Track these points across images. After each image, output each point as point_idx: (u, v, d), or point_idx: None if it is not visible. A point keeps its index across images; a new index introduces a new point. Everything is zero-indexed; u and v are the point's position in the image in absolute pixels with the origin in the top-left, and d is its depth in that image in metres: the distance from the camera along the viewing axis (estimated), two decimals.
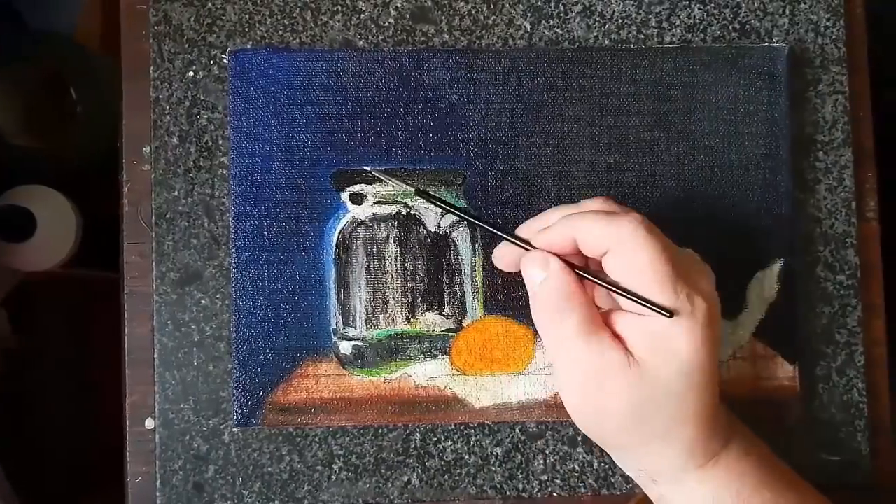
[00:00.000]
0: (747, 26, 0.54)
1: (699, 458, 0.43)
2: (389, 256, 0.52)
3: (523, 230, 0.46)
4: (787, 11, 0.54)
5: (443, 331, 0.52)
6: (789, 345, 0.53)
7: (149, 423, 0.52)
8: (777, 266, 0.52)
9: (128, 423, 0.52)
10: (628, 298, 0.41)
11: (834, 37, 0.54)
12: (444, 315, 0.52)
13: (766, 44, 0.54)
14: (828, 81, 0.54)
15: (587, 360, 0.41)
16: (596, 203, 0.44)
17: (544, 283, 0.43)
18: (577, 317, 0.41)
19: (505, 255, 0.47)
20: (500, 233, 0.46)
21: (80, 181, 0.95)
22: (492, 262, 0.49)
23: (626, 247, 0.40)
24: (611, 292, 0.42)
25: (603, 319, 0.42)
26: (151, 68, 0.53)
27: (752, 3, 0.54)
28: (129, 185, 0.53)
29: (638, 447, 0.43)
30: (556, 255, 0.43)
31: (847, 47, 0.55)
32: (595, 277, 0.43)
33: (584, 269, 0.43)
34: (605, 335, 0.41)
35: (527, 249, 0.44)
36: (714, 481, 0.43)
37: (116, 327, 0.53)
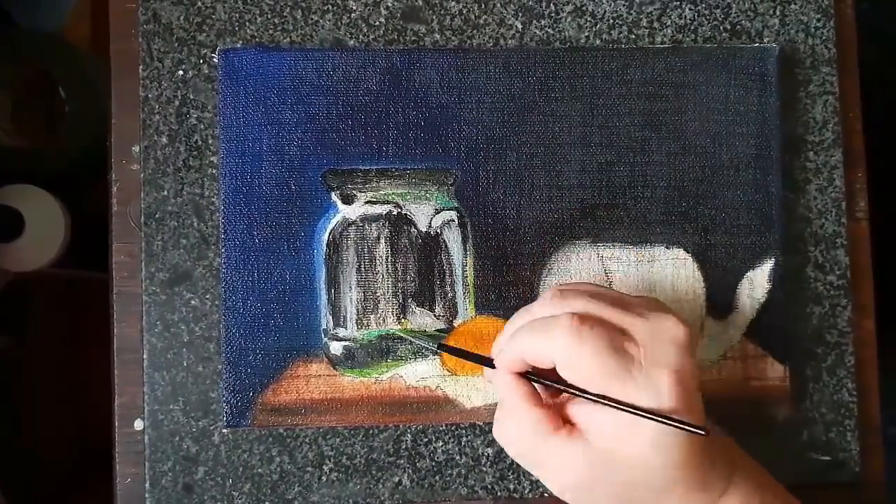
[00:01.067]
0: (738, 27, 0.54)
1: None
2: (380, 256, 0.51)
3: (494, 347, 0.46)
4: (778, 12, 0.55)
5: (434, 331, 0.51)
6: (780, 345, 0.53)
7: (138, 425, 0.52)
8: (767, 266, 0.53)
9: (117, 424, 0.52)
10: (600, 402, 0.39)
11: (824, 37, 0.55)
12: (435, 315, 0.51)
13: (756, 44, 0.54)
14: (818, 82, 0.55)
15: (557, 466, 0.41)
16: (539, 305, 0.43)
17: (502, 400, 0.43)
18: (533, 428, 0.41)
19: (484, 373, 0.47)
20: (466, 355, 0.47)
21: (68, 181, 0.95)
22: (483, 262, 0.49)
23: (564, 359, 0.40)
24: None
25: (565, 412, 0.42)
26: (140, 67, 0.52)
27: (743, 4, 0.54)
28: (118, 185, 0.53)
29: None
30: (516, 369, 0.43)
31: (837, 48, 0.55)
32: (556, 383, 0.42)
33: (545, 376, 0.42)
34: (563, 436, 0.40)
35: (491, 368, 0.44)
36: None
37: (105, 328, 0.53)
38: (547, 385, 0.42)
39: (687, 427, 0.38)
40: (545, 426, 0.41)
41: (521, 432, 0.41)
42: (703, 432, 0.38)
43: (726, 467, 0.42)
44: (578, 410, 0.41)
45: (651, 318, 0.41)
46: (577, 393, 0.40)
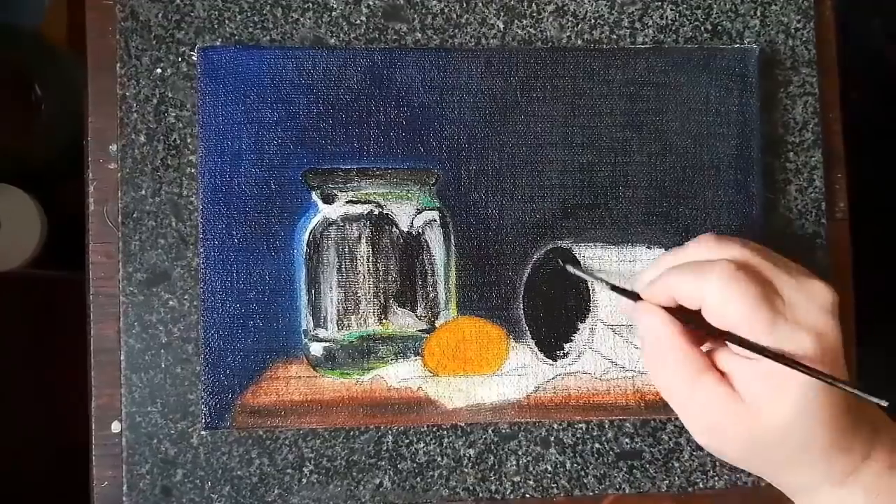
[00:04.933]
0: (719, 27, 0.55)
1: (834, 476, 0.42)
2: (361, 257, 0.51)
3: (637, 279, 0.47)
4: (759, 13, 0.55)
5: (416, 331, 0.51)
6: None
7: (115, 427, 0.51)
8: None
9: (94, 426, 0.51)
10: (756, 352, 0.40)
11: (804, 38, 0.55)
12: (416, 316, 0.51)
13: (737, 45, 0.54)
14: (798, 83, 0.55)
15: (698, 403, 0.41)
16: (694, 247, 0.44)
17: (648, 335, 0.43)
18: (682, 360, 0.41)
19: (623, 306, 0.48)
20: (611, 284, 0.47)
21: (45, 180, 0.94)
22: (465, 262, 0.49)
23: (716, 302, 0.40)
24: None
25: (709, 358, 0.42)
26: (118, 65, 0.52)
27: (724, 5, 0.55)
28: (95, 184, 0.52)
29: (769, 475, 0.43)
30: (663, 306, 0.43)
31: (817, 49, 0.55)
32: (703, 326, 0.42)
33: (690, 318, 0.43)
34: (711, 380, 0.41)
35: (634, 300, 0.45)
36: (852, 498, 0.42)
37: (82, 329, 0.52)
38: (697, 327, 0.42)
39: (838, 383, 0.38)
40: (698, 365, 0.41)
41: (675, 367, 0.42)
42: (852, 389, 0.38)
43: (871, 432, 0.42)
44: (726, 360, 0.41)
45: (800, 279, 0.41)
46: (737, 340, 0.40)
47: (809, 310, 0.40)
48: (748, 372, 0.40)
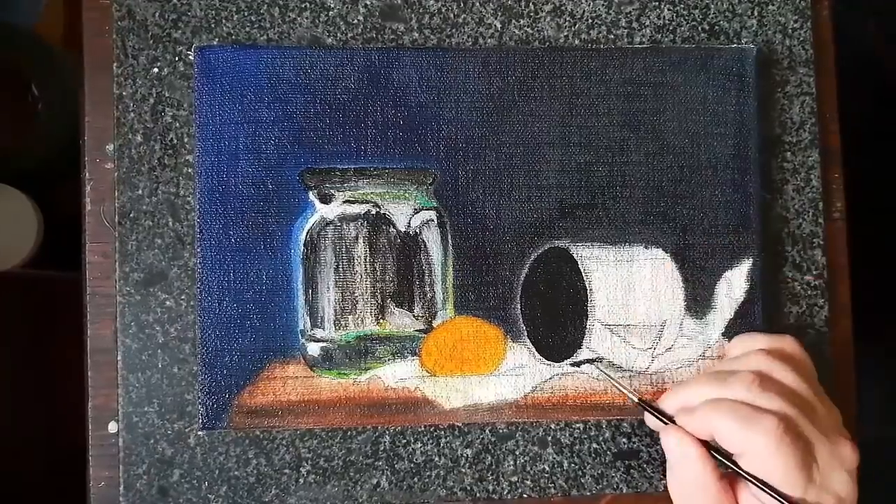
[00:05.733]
0: (716, 27, 0.55)
1: None
2: (358, 256, 0.51)
3: (668, 397, 0.48)
4: (756, 13, 0.55)
5: (413, 331, 0.51)
6: None
7: (112, 427, 0.51)
8: (745, 266, 0.53)
9: (90, 426, 0.51)
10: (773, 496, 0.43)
11: (801, 38, 0.55)
12: (414, 316, 0.51)
13: (734, 45, 0.54)
14: (795, 83, 0.55)
15: None
16: (741, 385, 0.45)
17: (682, 464, 0.45)
18: (713, 498, 0.44)
19: (650, 420, 0.49)
20: (645, 402, 0.49)
21: (41, 179, 0.94)
22: (463, 262, 0.49)
23: (758, 457, 0.43)
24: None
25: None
26: (115, 64, 0.52)
27: (721, 5, 0.55)
28: (92, 184, 0.52)
29: None
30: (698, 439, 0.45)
31: (814, 49, 0.55)
32: (737, 469, 0.44)
33: (725, 458, 0.45)
34: None
35: (665, 423, 0.47)
36: None
37: (79, 329, 0.52)
38: (727, 465, 0.45)
39: None
40: (726, 501, 0.44)
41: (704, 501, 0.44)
42: None
43: None
44: (747, 498, 0.45)
45: (833, 440, 0.44)
46: (765, 488, 0.43)
47: (836, 477, 0.44)
48: None
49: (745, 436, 0.43)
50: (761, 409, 0.43)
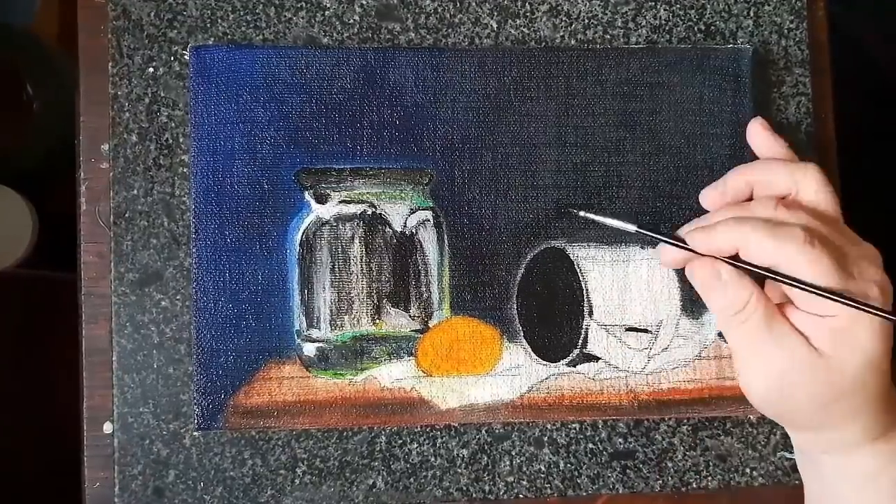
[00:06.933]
0: (712, 27, 0.55)
1: (873, 433, 0.44)
2: (354, 256, 0.51)
3: (684, 229, 0.47)
4: (752, 13, 0.55)
5: (409, 331, 0.51)
6: None
7: (107, 427, 0.51)
8: None
9: (85, 427, 0.51)
10: (828, 298, 0.42)
11: (797, 39, 0.55)
12: (410, 316, 0.51)
13: (730, 45, 0.54)
14: (791, 83, 0.55)
15: (774, 357, 0.43)
16: (763, 207, 0.45)
17: (722, 288, 0.44)
18: (760, 315, 0.43)
19: (667, 254, 0.48)
20: (661, 237, 0.48)
21: (36, 179, 0.94)
22: (459, 262, 0.49)
23: (792, 264, 0.42)
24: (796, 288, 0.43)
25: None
26: (110, 64, 0.52)
27: (717, 5, 0.55)
28: (87, 184, 0.52)
29: (818, 429, 0.45)
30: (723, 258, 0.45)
31: (810, 49, 0.55)
32: (779, 276, 0.43)
33: (762, 268, 0.44)
34: (788, 331, 0.43)
35: (695, 253, 0.46)
36: (883, 456, 0.45)
37: (74, 329, 0.52)
38: (767, 275, 0.44)
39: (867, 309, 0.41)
40: (773, 316, 0.44)
41: (750, 317, 0.44)
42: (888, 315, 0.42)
43: None
44: (794, 315, 0.44)
45: (857, 242, 0.45)
46: (814, 290, 0.42)
47: (872, 271, 0.44)
48: (821, 327, 0.43)
49: (776, 245, 0.42)
50: (786, 222, 0.43)
